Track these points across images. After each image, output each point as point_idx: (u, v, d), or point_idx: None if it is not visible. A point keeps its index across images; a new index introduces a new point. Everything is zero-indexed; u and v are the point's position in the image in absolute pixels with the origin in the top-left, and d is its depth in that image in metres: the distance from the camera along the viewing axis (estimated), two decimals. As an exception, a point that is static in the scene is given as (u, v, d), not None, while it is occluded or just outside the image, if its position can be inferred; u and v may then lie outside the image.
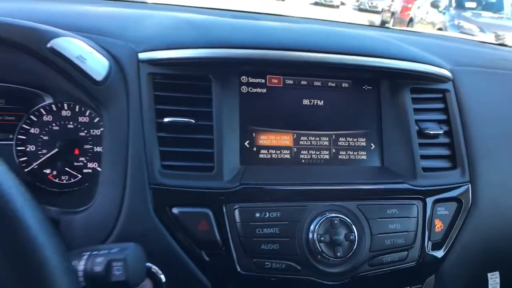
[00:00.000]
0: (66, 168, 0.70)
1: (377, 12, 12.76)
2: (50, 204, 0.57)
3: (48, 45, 0.51)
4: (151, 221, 0.53)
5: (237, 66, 0.62)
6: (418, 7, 7.84)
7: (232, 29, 0.67)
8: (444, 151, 0.67)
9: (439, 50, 0.76)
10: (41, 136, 0.70)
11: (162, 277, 0.51)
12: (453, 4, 6.54)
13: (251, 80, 0.63)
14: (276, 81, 0.64)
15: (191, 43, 0.60)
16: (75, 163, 0.71)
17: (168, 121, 0.57)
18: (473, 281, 0.70)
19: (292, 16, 1.04)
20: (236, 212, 0.54)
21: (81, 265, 0.40)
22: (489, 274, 0.74)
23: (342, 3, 15.97)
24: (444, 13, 6.55)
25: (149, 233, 0.52)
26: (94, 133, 0.71)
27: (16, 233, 0.27)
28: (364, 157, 0.66)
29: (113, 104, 0.56)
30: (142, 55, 0.59)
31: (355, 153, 0.66)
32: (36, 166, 0.69)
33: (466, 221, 0.64)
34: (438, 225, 0.62)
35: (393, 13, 9.74)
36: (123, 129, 0.55)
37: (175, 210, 0.54)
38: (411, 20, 8.28)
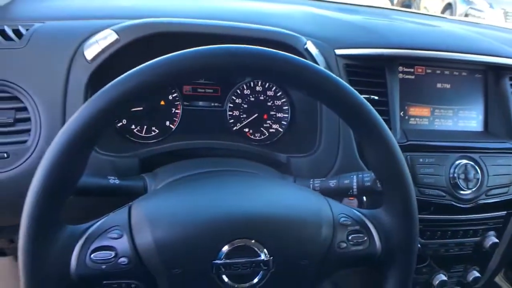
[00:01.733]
0: (262, 128, 0.98)
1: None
2: None
3: (305, 46, 0.78)
4: (357, 161, 0.82)
5: (398, 60, 0.90)
6: (428, -19, 7.94)
7: (391, 32, 0.95)
8: (529, 122, 0.97)
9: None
10: (243, 104, 0.98)
11: (364, 198, 0.82)
12: (464, -21, 6.67)
13: (405, 69, 0.92)
14: (420, 70, 0.93)
15: (370, 44, 0.88)
16: (264, 125, 0.99)
17: (360, 97, 0.85)
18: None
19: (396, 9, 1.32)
20: (408, 158, 0.84)
21: (354, 182, 0.69)
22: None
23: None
24: (455, -12, 6.68)
25: (356, 169, 0.81)
26: (276, 104, 0.99)
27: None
28: (475, 124, 0.96)
29: None
30: (338, 51, 0.87)
31: (469, 121, 0.95)
32: (240, 127, 0.98)
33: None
34: (528, 171, 0.93)
35: (401, -15, 9.80)
36: None
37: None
38: (419, -8, 8.38)
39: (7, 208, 0.69)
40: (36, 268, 0.46)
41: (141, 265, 0.49)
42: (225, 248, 0.50)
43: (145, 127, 0.91)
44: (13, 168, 0.69)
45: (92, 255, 0.49)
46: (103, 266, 0.49)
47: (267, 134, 0.99)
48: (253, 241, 0.51)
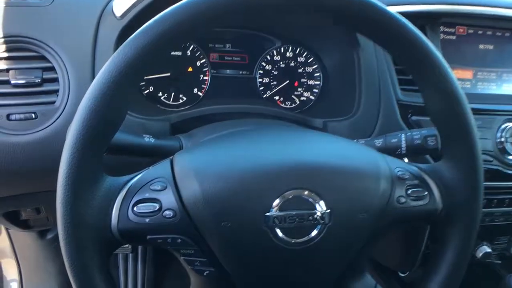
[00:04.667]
0: (293, 96, 0.94)
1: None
2: None
3: None
4: (398, 122, 0.78)
5: (440, 19, 0.85)
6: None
7: None
8: None
9: None
10: (272, 71, 0.93)
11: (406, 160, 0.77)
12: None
13: (446, 29, 0.86)
14: (462, 30, 0.87)
15: (410, 1, 0.83)
16: (295, 92, 0.95)
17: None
18: None
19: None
20: None
21: (402, 140, 0.65)
22: None
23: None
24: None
25: (398, 130, 0.76)
26: (308, 70, 0.95)
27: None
28: (518, 87, 0.90)
29: (365, 48, 0.79)
30: None
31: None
32: (270, 94, 0.94)
33: None
34: None
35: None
36: (374, 63, 0.79)
37: (413, 118, 0.79)
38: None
39: (35, 171, 0.66)
40: (75, 221, 0.43)
41: (188, 218, 0.46)
42: (279, 200, 0.46)
43: (173, 94, 0.87)
44: (42, 129, 0.65)
45: (134, 208, 0.45)
46: (147, 220, 0.45)
47: (298, 102, 0.95)
48: (308, 192, 0.47)
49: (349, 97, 0.82)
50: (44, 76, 0.67)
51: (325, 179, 0.47)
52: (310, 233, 0.47)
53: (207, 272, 0.48)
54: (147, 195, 0.46)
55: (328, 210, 0.47)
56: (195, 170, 0.47)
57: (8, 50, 0.66)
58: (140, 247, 1.18)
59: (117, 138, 0.57)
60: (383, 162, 0.52)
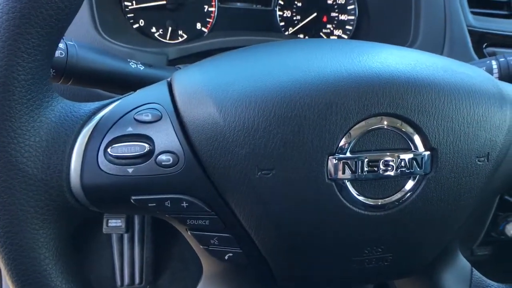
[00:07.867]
0: (321, 34, 0.75)
1: None
2: None
3: None
4: (470, 54, 0.59)
5: None
6: None
7: None
8: None
9: None
10: (296, 2, 0.74)
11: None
12: None
13: None
14: None
15: None
16: (323, 30, 0.76)
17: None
18: None
19: None
20: None
21: (494, 66, 0.46)
22: None
23: None
24: None
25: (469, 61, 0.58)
26: (339, 2, 0.75)
27: None
28: None
29: None
30: None
31: None
32: (293, 31, 0.74)
33: None
34: None
35: None
36: None
37: (489, 49, 0.60)
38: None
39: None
40: (4, 171, 0.24)
41: (198, 166, 0.27)
42: (349, 135, 0.27)
43: (170, 29, 0.68)
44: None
45: (109, 150, 0.27)
46: (130, 170, 0.27)
47: (328, 42, 0.75)
48: (396, 121, 0.28)
49: (402, 26, 0.63)
50: None
51: (422, 102, 0.29)
52: (399, 190, 0.29)
53: (230, 255, 0.30)
54: (129, 130, 0.28)
55: (429, 152, 0.29)
56: (210, 89, 0.28)
57: None
58: (136, 224, 1.00)
59: (86, 58, 0.38)
60: (505, 85, 0.34)
